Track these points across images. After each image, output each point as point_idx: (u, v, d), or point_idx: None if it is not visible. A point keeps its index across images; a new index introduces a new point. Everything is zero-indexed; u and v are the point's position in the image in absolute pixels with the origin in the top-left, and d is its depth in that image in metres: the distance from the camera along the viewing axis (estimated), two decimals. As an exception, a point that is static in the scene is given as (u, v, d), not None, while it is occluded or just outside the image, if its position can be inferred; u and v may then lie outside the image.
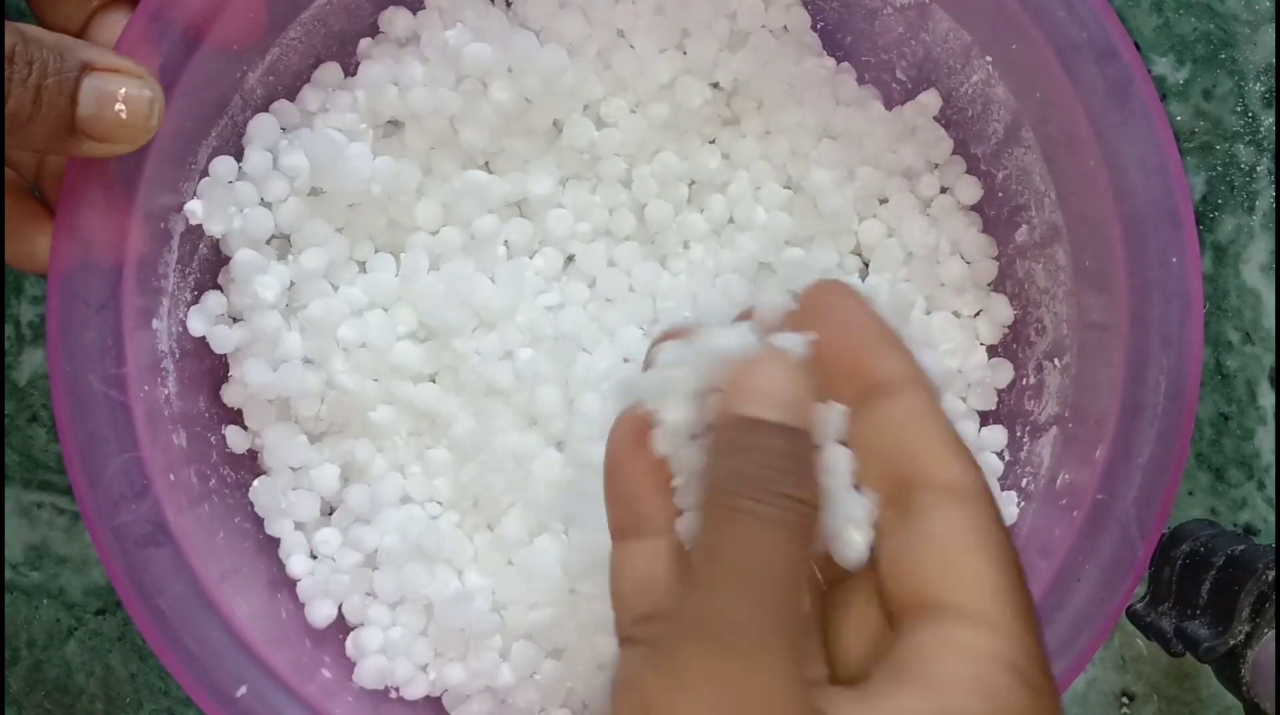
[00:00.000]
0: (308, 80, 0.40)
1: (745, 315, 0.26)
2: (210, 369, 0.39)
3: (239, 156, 0.38)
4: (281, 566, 0.39)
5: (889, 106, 0.41)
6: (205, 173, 0.37)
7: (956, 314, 0.41)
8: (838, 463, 0.24)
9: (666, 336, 0.26)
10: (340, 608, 0.39)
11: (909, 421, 0.24)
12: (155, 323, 0.36)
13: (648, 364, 0.27)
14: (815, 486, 0.23)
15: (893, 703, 0.21)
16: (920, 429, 0.24)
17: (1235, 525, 0.45)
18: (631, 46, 0.39)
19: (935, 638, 0.22)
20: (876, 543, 0.24)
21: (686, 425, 0.25)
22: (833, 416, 0.24)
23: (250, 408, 0.39)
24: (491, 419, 0.38)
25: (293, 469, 0.39)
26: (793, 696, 0.21)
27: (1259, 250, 0.45)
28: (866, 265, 0.41)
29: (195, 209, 0.37)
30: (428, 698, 0.39)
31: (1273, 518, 0.45)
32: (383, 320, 0.38)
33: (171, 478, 0.35)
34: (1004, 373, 0.40)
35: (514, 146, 0.39)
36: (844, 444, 0.24)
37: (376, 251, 0.40)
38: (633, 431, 0.26)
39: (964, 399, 0.41)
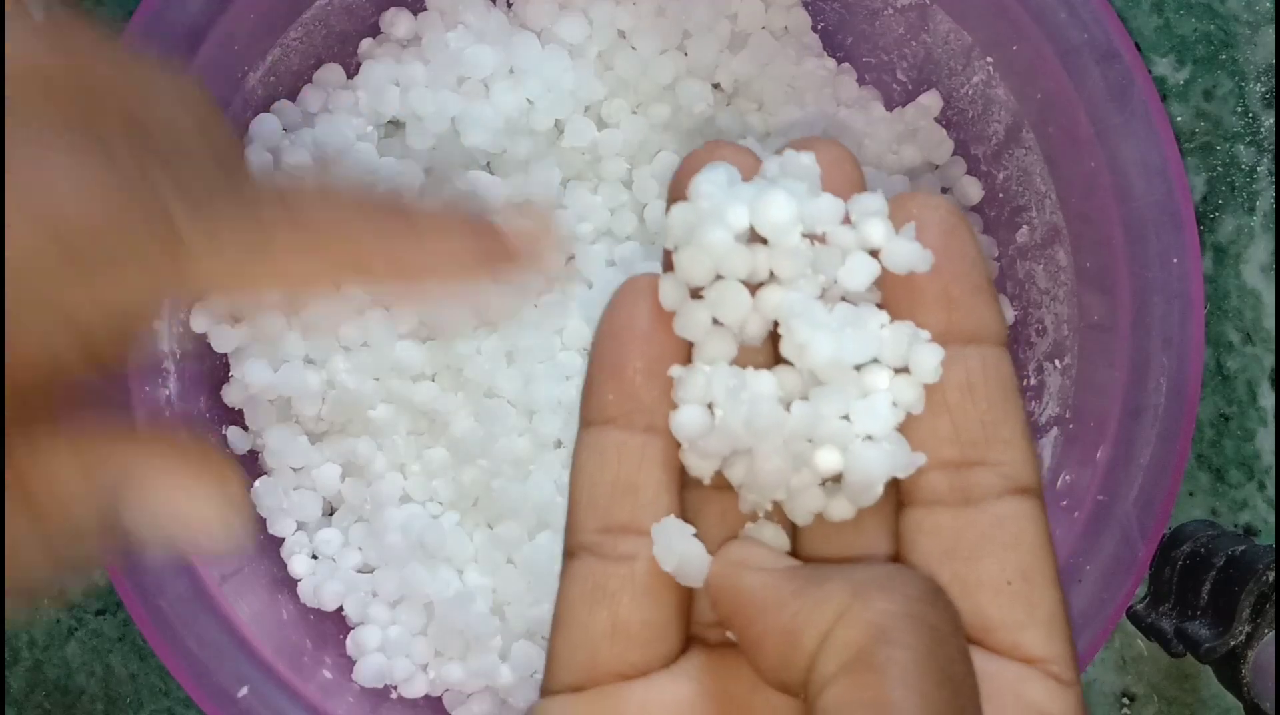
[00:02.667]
0: (309, 81, 0.40)
1: (790, 147, 0.21)
2: (211, 370, 0.39)
3: (240, 157, 0.38)
4: (282, 567, 0.39)
5: (889, 107, 0.41)
6: (206, 173, 0.37)
7: (957, 315, 0.41)
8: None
9: (711, 152, 0.21)
10: (341, 607, 0.39)
11: (989, 384, 0.20)
12: (156, 323, 0.36)
13: (673, 198, 0.21)
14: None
15: None
16: (998, 396, 0.20)
17: (1236, 526, 0.45)
18: (632, 48, 0.39)
19: (1005, 688, 0.20)
20: (917, 520, 0.21)
21: (707, 276, 0.20)
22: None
23: (251, 408, 0.39)
24: (492, 420, 0.38)
25: (294, 469, 0.39)
26: None
27: (1259, 251, 0.45)
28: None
29: (196, 209, 0.37)
30: (428, 697, 0.39)
31: (1273, 518, 0.45)
32: (384, 320, 0.38)
33: (173, 478, 0.35)
34: (1004, 373, 0.40)
35: (515, 147, 0.39)
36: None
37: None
38: (647, 296, 0.21)
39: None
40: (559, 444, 0.38)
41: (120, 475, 0.18)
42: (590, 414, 0.21)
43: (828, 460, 0.20)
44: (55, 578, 0.19)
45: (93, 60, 0.19)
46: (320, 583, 0.39)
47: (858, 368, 0.20)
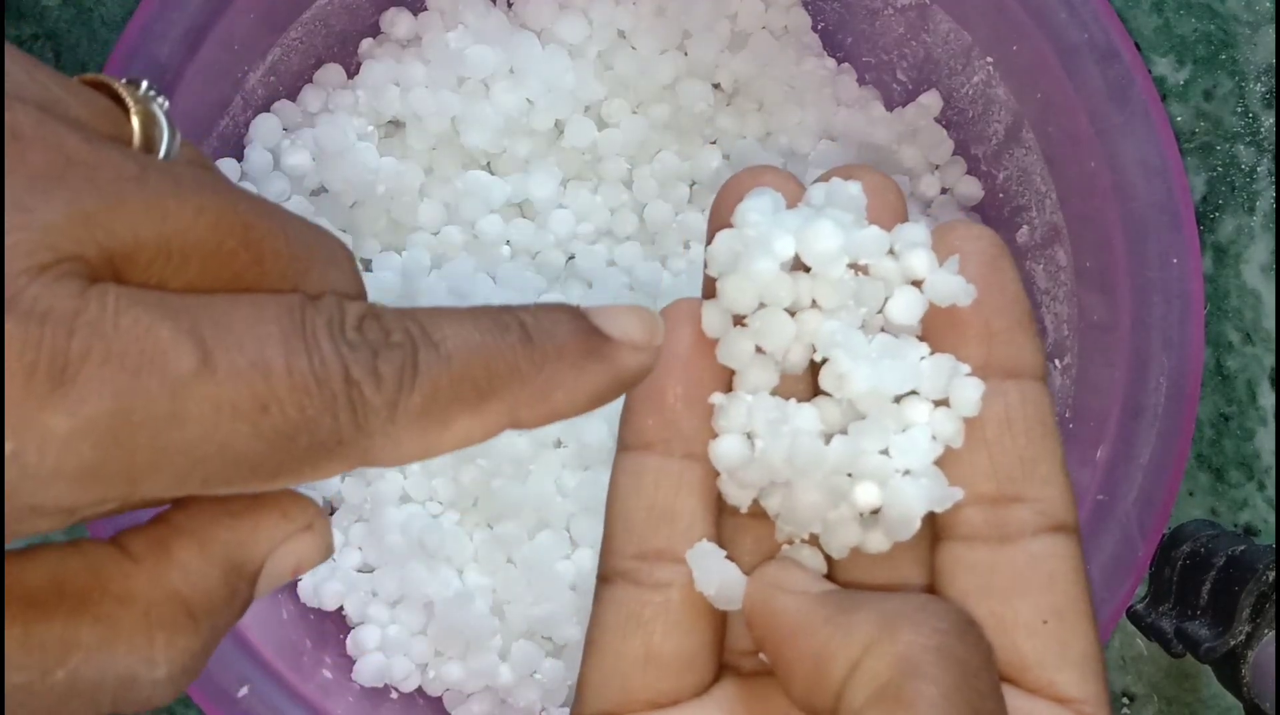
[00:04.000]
0: (309, 81, 0.40)
1: (834, 174, 0.21)
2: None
3: (241, 157, 0.38)
4: (282, 567, 0.39)
5: (890, 107, 0.41)
6: (206, 173, 0.37)
7: (957, 314, 0.41)
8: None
9: (753, 177, 0.21)
10: (342, 607, 0.39)
11: (1028, 419, 0.20)
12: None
13: (716, 223, 0.21)
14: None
15: None
16: (1037, 431, 0.20)
17: (1236, 526, 0.45)
18: (633, 48, 0.39)
19: None
20: (953, 555, 0.20)
21: (751, 303, 0.20)
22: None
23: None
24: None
25: (294, 469, 0.39)
26: None
27: (1259, 251, 0.45)
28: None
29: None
30: (428, 697, 0.39)
31: (1273, 518, 0.45)
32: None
33: (173, 478, 0.35)
34: (1004, 373, 0.40)
35: (515, 147, 0.39)
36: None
37: (382, 251, 0.40)
38: (688, 322, 0.21)
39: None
40: (559, 443, 0.38)
41: (244, 557, 0.18)
42: (629, 438, 0.21)
43: (866, 495, 0.20)
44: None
45: (257, 218, 0.17)
46: (320, 582, 0.39)
47: (897, 400, 0.20)
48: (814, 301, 0.20)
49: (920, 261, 0.20)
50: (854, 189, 0.21)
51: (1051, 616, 0.20)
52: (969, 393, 0.20)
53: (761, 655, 0.20)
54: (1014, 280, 0.21)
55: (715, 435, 0.21)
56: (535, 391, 0.18)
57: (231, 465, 0.16)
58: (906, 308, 0.20)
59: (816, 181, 0.21)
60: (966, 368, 0.20)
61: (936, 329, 0.21)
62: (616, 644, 0.21)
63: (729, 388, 0.21)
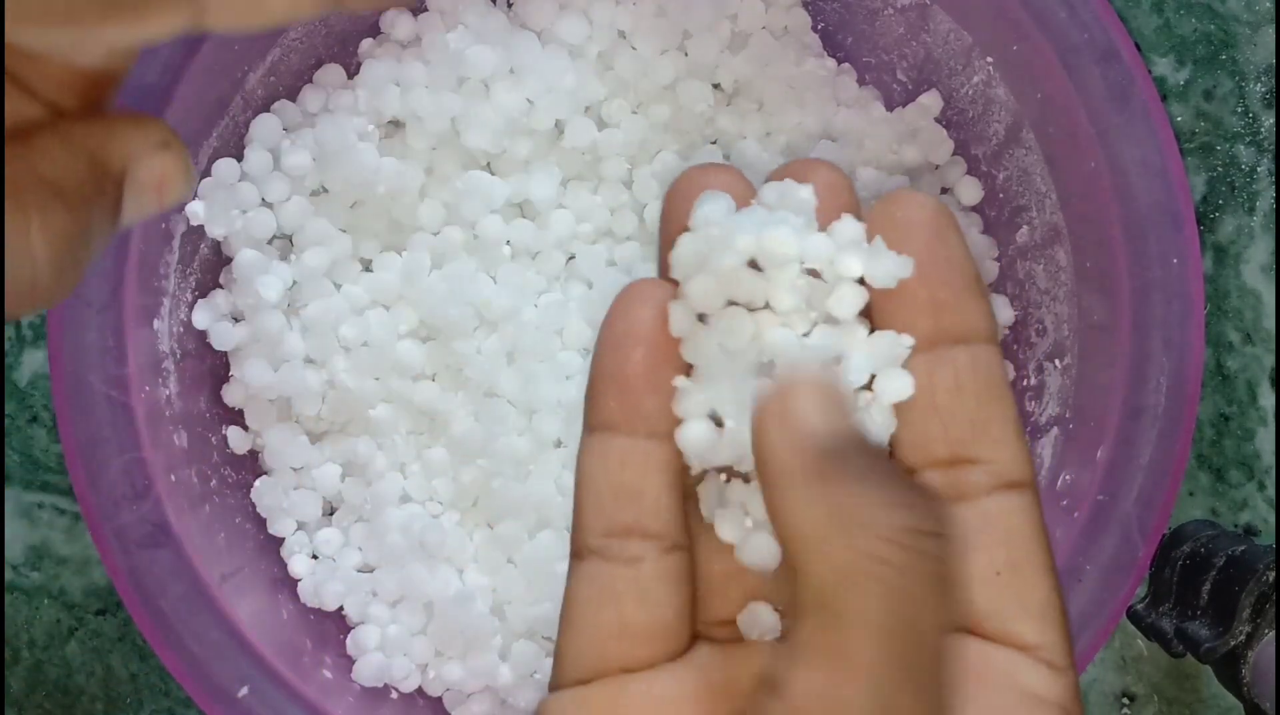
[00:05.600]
0: (309, 81, 0.40)
1: (788, 172, 0.21)
2: (211, 369, 0.39)
3: (240, 157, 0.38)
4: (282, 567, 0.39)
5: (890, 107, 0.41)
6: (207, 173, 0.37)
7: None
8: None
9: (702, 177, 0.22)
10: (342, 607, 0.39)
11: (977, 383, 0.20)
12: (156, 323, 0.36)
13: (669, 220, 0.22)
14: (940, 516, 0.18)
15: None
16: (986, 395, 0.20)
17: (1236, 526, 0.45)
18: (633, 48, 0.39)
19: (999, 673, 0.20)
20: None
21: (718, 302, 0.21)
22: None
23: (251, 408, 0.39)
24: (492, 420, 0.38)
25: (294, 469, 0.39)
26: None
27: (1259, 251, 0.45)
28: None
29: (197, 210, 0.37)
30: (428, 697, 0.39)
31: (1273, 518, 0.45)
32: (384, 319, 0.38)
33: (173, 478, 0.35)
34: (1005, 373, 0.40)
35: (516, 148, 0.39)
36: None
37: (382, 251, 0.40)
38: (648, 303, 0.21)
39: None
40: (559, 443, 0.38)
41: (106, 154, 0.19)
42: (593, 420, 0.21)
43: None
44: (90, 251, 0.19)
45: None
46: (320, 583, 0.39)
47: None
48: (767, 303, 0.21)
49: (852, 262, 0.21)
50: (805, 193, 0.21)
51: (1005, 568, 0.20)
52: (896, 383, 0.21)
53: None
54: (959, 245, 0.21)
55: (671, 410, 0.21)
56: None
57: None
58: (847, 303, 0.21)
59: (769, 179, 0.22)
60: (909, 341, 0.21)
61: (883, 301, 0.21)
62: (590, 616, 0.21)
63: (689, 370, 0.21)
